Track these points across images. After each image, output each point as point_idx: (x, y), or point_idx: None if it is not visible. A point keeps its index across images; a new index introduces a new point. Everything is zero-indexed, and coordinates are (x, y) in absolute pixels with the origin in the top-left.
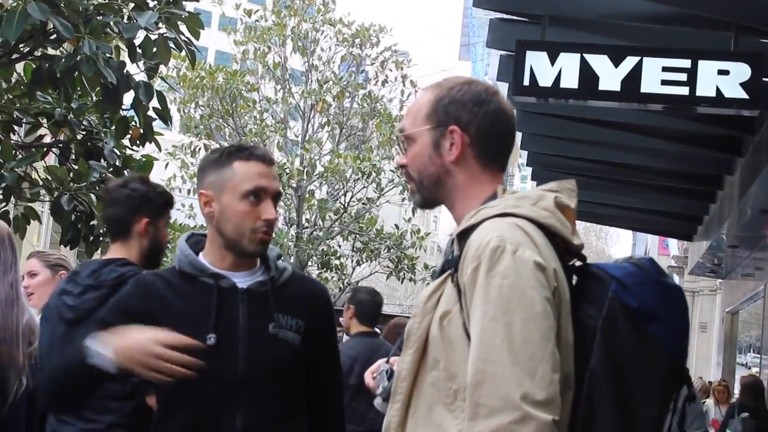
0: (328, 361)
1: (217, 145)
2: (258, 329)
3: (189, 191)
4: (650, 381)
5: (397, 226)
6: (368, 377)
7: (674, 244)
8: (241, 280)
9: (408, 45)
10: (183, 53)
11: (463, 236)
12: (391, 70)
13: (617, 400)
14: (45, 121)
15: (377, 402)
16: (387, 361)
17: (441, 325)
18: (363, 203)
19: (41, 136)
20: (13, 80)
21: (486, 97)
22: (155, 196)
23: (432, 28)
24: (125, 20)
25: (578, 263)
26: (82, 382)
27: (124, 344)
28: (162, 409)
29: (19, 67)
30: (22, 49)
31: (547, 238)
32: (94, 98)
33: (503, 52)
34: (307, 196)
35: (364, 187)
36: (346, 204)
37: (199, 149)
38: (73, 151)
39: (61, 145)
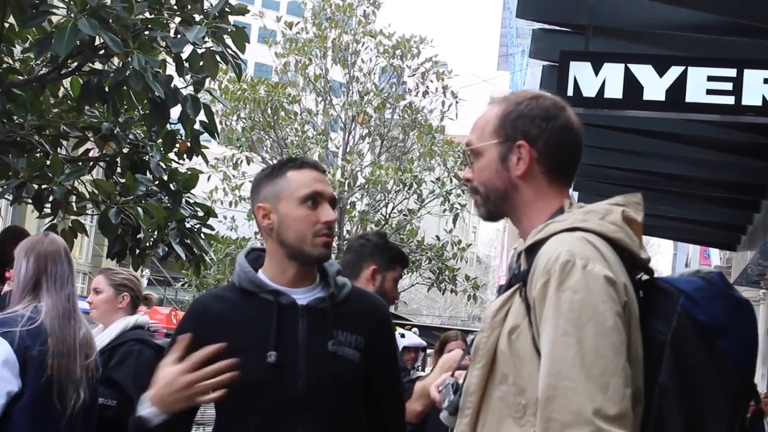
0: (388, 376)
1: (259, 158)
2: (317, 346)
3: (231, 203)
4: (719, 396)
5: (438, 238)
6: (434, 391)
7: (716, 254)
8: (301, 297)
9: (446, 55)
10: (225, 66)
11: (532, 251)
12: (431, 81)
13: (687, 415)
14: (91, 135)
15: (443, 416)
16: (452, 375)
17: (510, 340)
18: (404, 214)
19: (88, 150)
20: (60, 95)
21: (554, 112)
22: (386, 249)
23: (470, 38)
24: (172, 34)
25: (645, 277)
26: None
27: (156, 393)
28: (223, 425)
29: (66, 81)
30: (70, 64)
31: (615, 252)
32: (141, 112)
33: (544, 63)
34: (348, 207)
35: (405, 199)
36: (387, 215)
37: (241, 161)
38: (119, 165)
39: (107, 158)
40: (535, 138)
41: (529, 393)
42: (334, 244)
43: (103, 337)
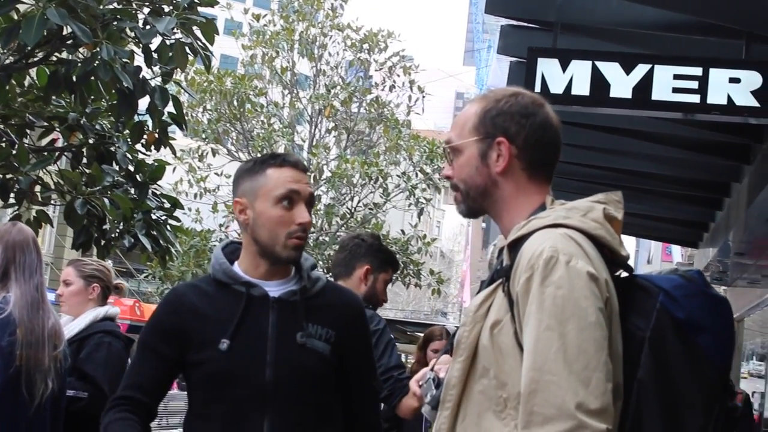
0: (362, 371)
1: (225, 150)
2: (286, 338)
3: (196, 195)
4: (696, 392)
5: (403, 232)
6: (414, 385)
7: (677, 251)
8: (274, 289)
9: (412, 50)
10: (193, 58)
11: (514, 246)
12: (398, 76)
13: (665, 411)
14: (57, 125)
15: (425, 410)
16: (431, 369)
17: (492, 334)
18: (369, 208)
19: (53, 140)
20: (26, 84)
21: (533, 108)
22: (380, 251)
23: (436, 33)
24: (141, 25)
25: (624, 274)
26: None
27: None
28: (191, 415)
29: (32, 71)
30: (37, 53)
31: (596, 249)
32: (108, 103)
33: (511, 59)
34: None
35: (370, 192)
36: (352, 209)
37: (207, 153)
38: (85, 156)
39: (73, 149)
40: (515, 135)
41: (510, 387)
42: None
43: (71, 327)
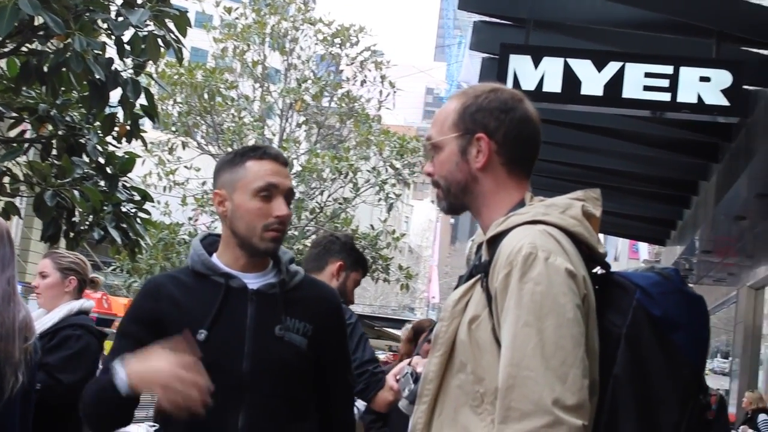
0: (337, 366)
1: (195, 143)
2: (264, 330)
3: (165, 188)
4: (671, 388)
5: (372, 227)
6: (391, 379)
7: (644, 249)
8: (252, 281)
9: (383, 45)
10: (165, 50)
11: (493, 242)
12: (369, 71)
13: (640, 407)
14: (27, 116)
15: (402, 404)
16: (409, 364)
17: (469, 329)
18: (339, 203)
19: (23, 131)
20: None
21: (512, 104)
22: (353, 250)
23: (406, 28)
24: (113, 16)
25: (602, 271)
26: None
27: (139, 370)
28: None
29: (2, 61)
30: (8, 44)
31: (574, 246)
32: (79, 94)
33: (484, 55)
34: None
35: (340, 187)
36: (322, 203)
37: (176, 146)
38: (55, 147)
39: (43, 140)
40: (494, 130)
41: (488, 382)
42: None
43: (45, 320)
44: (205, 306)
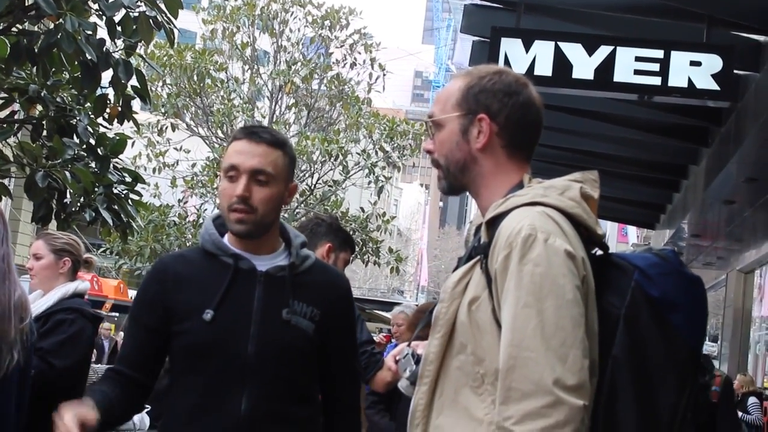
0: (344, 352)
1: (184, 124)
2: (271, 313)
3: (155, 170)
4: (669, 369)
5: (362, 209)
6: (390, 360)
7: (633, 232)
8: (261, 263)
9: (371, 27)
10: (157, 31)
11: (492, 224)
12: (359, 53)
13: (639, 387)
14: (17, 96)
15: (403, 384)
16: (409, 345)
17: (469, 311)
18: (329, 185)
19: (13, 112)
20: None
21: (516, 87)
22: (339, 230)
23: (395, 10)
24: None
25: (600, 252)
26: None
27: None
28: (173, 384)
29: None
30: None
31: (573, 227)
32: (69, 75)
33: (474, 38)
34: None
35: (330, 170)
36: (312, 186)
37: (166, 128)
38: (46, 128)
39: (34, 121)
40: (497, 112)
41: (488, 363)
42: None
43: (40, 303)
44: (213, 286)
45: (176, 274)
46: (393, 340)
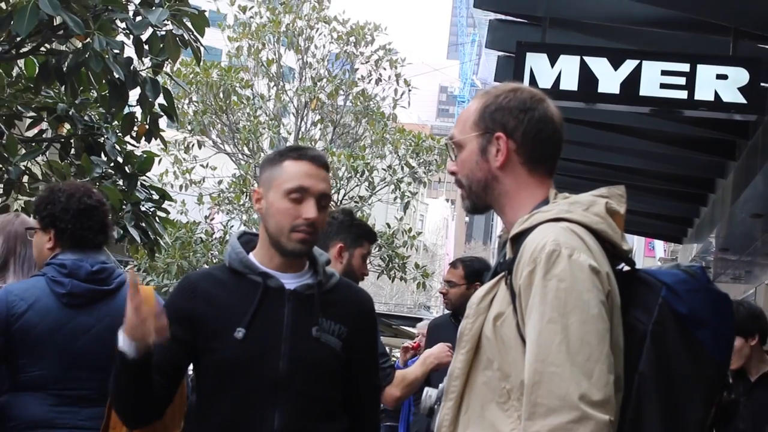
0: (367, 369)
1: (210, 141)
2: (301, 330)
3: (181, 187)
4: (696, 385)
5: (388, 225)
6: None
7: (660, 247)
8: (289, 282)
9: (396, 43)
10: (184, 49)
11: (517, 240)
12: (384, 69)
13: (665, 403)
14: (46, 115)
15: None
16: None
17: (495, 326)
18: (355, 201)
19: (42, 131)
20: (14, 74)
21: (531, 104)
22: (352, 226)
23: (419, 26)
24: (132, 16)
25: (626, 268)
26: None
27: (126, 323)
28: (201, 403)
29: (20, 61)
30: (27, 44)
31: (598, 243)
32: (97, 93)
33: (499, 53)
34: None
35: (356, 186)
36: (338, 202)
37: (192, 145)
38: (74, 147)
39: (62, 140)
40: (513, 129)
41: (513, 378)
42: None
43: None
44: (243, 304)
45: (205, 291)
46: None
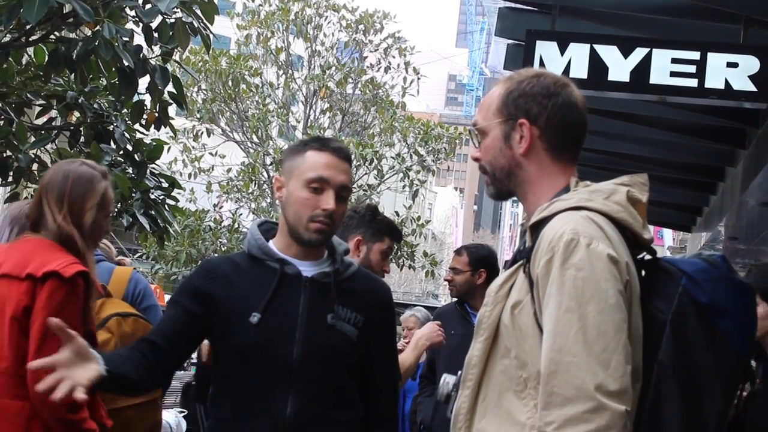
0: (384, 358)
1: (219, 129)
2: (317, 318)
3: (190, 175)
4: (717, 375)
5: (397, 213)
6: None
7: (669, 235)
8: (306, 269)
9: (405, 31)
10: (194, 37)
11: (536, 228)
12: (393, 57)
13: (685, 393)
14: (55, 103)
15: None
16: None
17: (512, 314)
18: (364, 190)
19: (52, 119)
20: (24, 62)
21: (555, 89)
22: (373, 221)
23: (427, 14)
24: (141, 3)
25: (648, 257)
26: None
27: None
28: (217, 387)
29: (29, 49)
30: (37, 31)
31: (618, 232)
32: (106, 81)
33: (509, 41)
34: None
35: (365, 174)
36: None
37: (201, 133)
38: (83, 134)
39: (71, 127)
40: (536, 116)
41: (531, 367)
42: None
43: None
44: (259, 290)
45: (225, 275)
46: None
